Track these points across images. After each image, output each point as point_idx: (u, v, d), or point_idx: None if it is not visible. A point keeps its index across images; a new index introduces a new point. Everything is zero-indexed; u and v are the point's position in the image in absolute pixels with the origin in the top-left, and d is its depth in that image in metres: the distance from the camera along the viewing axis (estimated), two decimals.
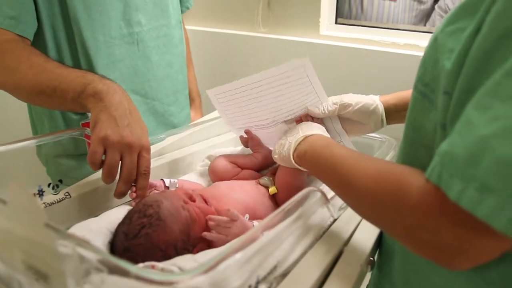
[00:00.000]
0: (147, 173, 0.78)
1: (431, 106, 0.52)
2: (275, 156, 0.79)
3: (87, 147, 0.95)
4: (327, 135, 0.77)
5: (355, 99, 0.86)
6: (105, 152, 0.75)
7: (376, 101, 0.85)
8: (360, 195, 0.53)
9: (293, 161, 0.72)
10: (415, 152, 0.57)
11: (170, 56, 1.15)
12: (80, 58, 0.98)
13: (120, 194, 0.77)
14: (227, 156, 0.92)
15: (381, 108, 0.84)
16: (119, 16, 1.00)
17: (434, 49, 0.52)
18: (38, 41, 0.95)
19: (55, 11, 0.93)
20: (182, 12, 1.24)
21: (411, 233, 0.46)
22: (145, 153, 0.78)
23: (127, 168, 0.75)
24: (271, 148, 0.88)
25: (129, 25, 1.02)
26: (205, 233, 0.67)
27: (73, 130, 0.91)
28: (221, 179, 0.88)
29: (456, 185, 0.39)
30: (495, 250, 0.41)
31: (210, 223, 0.67)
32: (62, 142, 1.05)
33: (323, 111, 0.85)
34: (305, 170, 0.73)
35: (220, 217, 0.67)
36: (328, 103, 0.86)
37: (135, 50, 1.05)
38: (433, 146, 0.52)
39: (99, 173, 0.86)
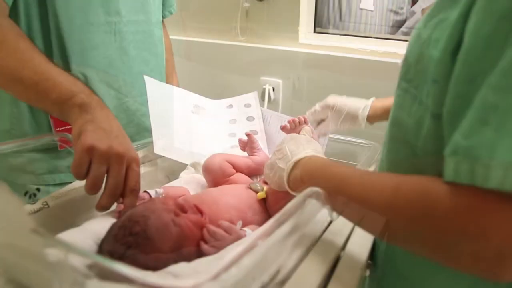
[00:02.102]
0: (137, 189, 0.73)
1: (414, 101, 0.52)
2: (268, 181, 0.74)
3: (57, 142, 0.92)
4: (317, 146, 0.73)
5: (343, 103, 0.90)
6: (90, 163, 0.69)
7: (361, 107, 0.91)
8: (377, 212, 0.49)
9: (289, 190, 0.68)
10: (398, 149, 0.57)
11: (148, 54, 1.10)
12: (52, 41, 0.91)
13: (103, 208, 0.71)
14: (223, 155, 0.90)
15: (364, 114, 0.90)
16: (99, 2, 0.95)
17: (417, 45, 0.52)
18: (10, 15, 0.87)
19: None
20: (165, 16, 1.22)
21: (446, 247, 0.41)
22: (135, 166, 0.73)
23: (114, 180, 0.70)
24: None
25: (107, 13, 0.97)
26: (203, 245, 0.62)
27: (45, 136, 0.87)
28: (215, 177, 0.85)
29: (496, 174, 0.36)
30: None
31: (206, 235, 0.63)
32: (23, 132, 0.96)
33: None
34: None
35: (217, 230, 0.63)
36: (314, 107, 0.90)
37: (112, 40, 1.00)
38: (416, 142, 0.51)
39: (77, 182, 0.82)
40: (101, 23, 0.96)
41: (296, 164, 0.67)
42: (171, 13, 1.25)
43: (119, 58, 1.02)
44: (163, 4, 1.19)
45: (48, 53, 0.90)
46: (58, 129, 0.96)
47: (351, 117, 1.01)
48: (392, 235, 0.49)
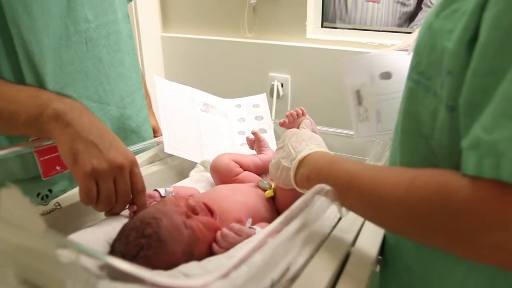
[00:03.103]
0: (144, 189, 0.74)
1: (427, 93, 0.51)
2: (275, 180, 0.74)
3: (39, 166, 0.83)
4: (319, 140, 0.73)
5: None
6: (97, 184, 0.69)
7: None
8: (392, 208, 0.48)
9: (298, 189, 0.67)
10: (414, 143, 0.56)
11: (121, 54, 1.03)
12: (22, 66, 0.83)
13: (114, 215, 0.73)
14: (230, 154, 0.90)
15: None
16: (63, 13, 0.87)
17: (429, 36, 0.51)
18: None
19: None
20: (128, 1, 1.14)
21: (466, 238, 0.41)
22: (135, 168, 0.73)
23: (123, 191, 0.71)
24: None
25: (75, 22, 0.89)
26: (215, 247, 0.63)
27: (20, 146, 0.78)
28: (222, 176, 0.86)
29: None
30: None
31: (218, 237, 0.64)
32: (7, 164, 0.89)
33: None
34: None
35: (229, 233, 0.64)
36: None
37: (84, 50, 0.92)
38: (431, 134, 0.51)
39: None
40: (70, 34, 0.89)
41: (301, 162, 0.66)
42: (130, 0, 1.17)
43: (94, 68, 0.96)
44: None
45: (20, 80, 0.84)
46: (42, 158, 0.85)
47: None
48: (407, 230, 0.49)
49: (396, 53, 0.83)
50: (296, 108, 0.98)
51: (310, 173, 0.64)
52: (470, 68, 0.42)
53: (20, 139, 0.84)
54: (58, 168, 0.86)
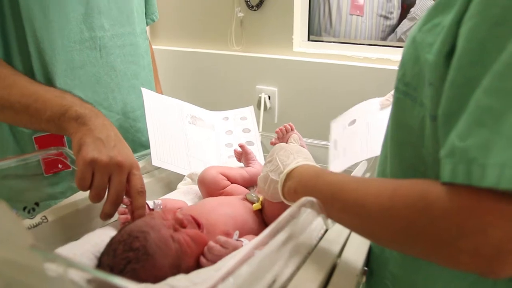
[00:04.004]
0: (143, 191, 0.75)
1: (414, 103, 0.53)
2: (263, 194, 0.75)
3: (42, 166, 0.90)
4: (307, 154, 0.74)
5: None
6: (93, 175, 0.72)
7: None
8: (375, 217, 0.49)
9: (285, 201, 0.68)
10: (403, 153, 0.58)
11: (136, 66, 1.07)
12: (33, 63, 0.87)
13: (106, 216, 0.73)
14: (217, 167, 0.91)
15: None
16: (80, 18, 0.91)
17: (413, 48, 0.53)
18: None
19: (3, 7, 0.83)
20: (147, 23, 1.19)
21: (445, 245, 0.42)
22: (136, 171, 0.75)
23: (115, 189, 0.72)
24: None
25: (91, 28, 0.93)
26: (202, 260, 0.64)
27: (33, 154, 0.85)
28: (209, 189, 0.86)
29: (492, 173, 0.37)
30: None
31: (205, 251, 0.65)
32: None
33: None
34: None
35: (215, 246, 0.64)
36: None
37: (97, 56, 0.96)
38: (422, 143, 0.52)
39: (76, 196, 0.83)
40: (85, 39, 0.93)
41: (288, 175, 0.67)
42: (153, 21, 1.23)
43: (106, 75, 0.99)
44: (145, 12, 1.17)
45: (30, 77, 0.88)
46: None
47: None
48: (391, 238, 0.49)
49: (363, 104, 0.98)
50: (285, 124, 1.00)
51: (297, 186, 0.65)
52: (448, 79, 0.44)
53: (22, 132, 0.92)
54: (60, 166, 0.92)
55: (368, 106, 1.01)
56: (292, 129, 0.97)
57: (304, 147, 0.98)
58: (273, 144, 1.00)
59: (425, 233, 0.43)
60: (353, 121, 1.01)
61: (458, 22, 0.44)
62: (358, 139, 0.95)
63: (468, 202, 0.40)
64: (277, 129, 0.93)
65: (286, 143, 0.97)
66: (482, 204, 0.39)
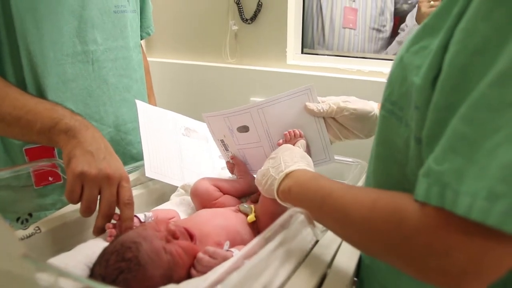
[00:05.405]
0: (130, 203, 0.75)
1: (400, 123, 0.54)
2: (259, 188, 0.77)
3: (32, 178, 0.91)
4: (310, 162, 0.76)
5: (354, 105, 0.87)
6: (82, 188, 0.72)
7: (374, 108, 0.86)
8: (357, 225, 0.51)
9: (278, 199, 0.70)
10: (388, 170, 0.59)
11: (128, 80, 1.07)
12: (26, 76, 0.88)
13: (99, 230, 0.74)
14: (210, 179, 0.91)
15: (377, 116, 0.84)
16: (73, 32, 0.91)
17: (400, 68, 0.54)
18: None
19: None
20: (142, 37, 1.20)
21: (415, 261, 0.44)
22: (125, 183, 0.76)
23: (107, 202, 0.73)
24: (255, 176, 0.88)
25: (83, 42, 0.94)
26: (192, 271, 0.65)
27: (25, 165, 0.86)
28: (202, 201, 0.87)
29: (464, 201, 0.38)
30: (506, 262, 0.40)
31: (195, 261, 0.65)
32: None
33: (320, 110, 0.86)
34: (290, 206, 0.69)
35: (203, 257, 0.65)
36: (326, 103, 0.88)
37: (90, 70, 0.96)
38: (406, 161, 0.53)
39: (69, 207, 0.83)
40: (77, 53, 0.93)
41: (287, 175, 0.69)
42: (148, 34, 1.24)
43: (98, 88, 0.99)
44: (141, 26, 1.17)
45: (23, 90, 0.88)
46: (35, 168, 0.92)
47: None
48: (369, 247, 0.52)
49: (253, 109, 0.93)
50: (295, 129, 1.01)
51: (292, 185, 0.67)
52: (432, 102, 0.45)
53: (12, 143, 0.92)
54: (50, 178, 0.92)
55: (257, 115, 0.93)
56: (301, 136, 0.97)
57: (309, 155, 0.99)
58: (279, 145, 1.00)
59: (399, 247, 0.45)
60: (245, 128, 0.95)
61: (444, 47, 0.45)
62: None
63: (437, 223, 0.41)
64: (286, 132, 0.94)
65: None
66: (450, 227, 0.40)
